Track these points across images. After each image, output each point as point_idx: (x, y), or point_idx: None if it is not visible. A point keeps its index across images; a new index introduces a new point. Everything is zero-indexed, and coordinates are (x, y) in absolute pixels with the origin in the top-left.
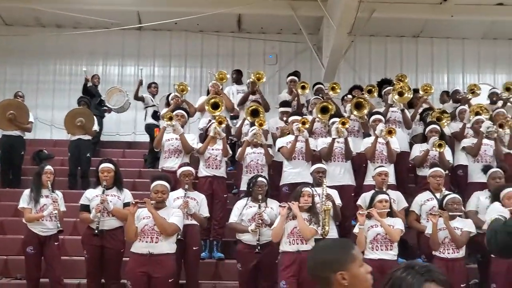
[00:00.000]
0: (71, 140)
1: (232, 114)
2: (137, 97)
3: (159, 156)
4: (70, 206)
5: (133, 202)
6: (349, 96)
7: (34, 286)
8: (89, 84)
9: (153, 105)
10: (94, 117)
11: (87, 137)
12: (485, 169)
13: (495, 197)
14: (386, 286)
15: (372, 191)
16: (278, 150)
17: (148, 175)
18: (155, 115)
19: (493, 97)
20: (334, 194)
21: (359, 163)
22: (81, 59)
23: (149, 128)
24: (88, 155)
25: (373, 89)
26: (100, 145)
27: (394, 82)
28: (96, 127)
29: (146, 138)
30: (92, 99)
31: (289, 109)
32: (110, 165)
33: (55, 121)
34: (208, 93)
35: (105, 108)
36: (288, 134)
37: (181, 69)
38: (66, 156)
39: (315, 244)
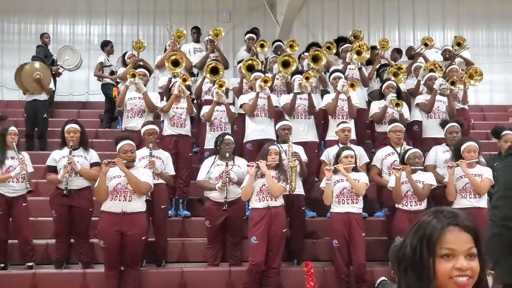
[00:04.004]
0: (27, 101)
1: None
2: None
3: (115, 116)
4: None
5: (105, 162)
6: (306, 53)
7: (2, 247)
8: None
9: (110, 65)
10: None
11: (43, 97)
12: (443, 124)
13: (456, 151)
14: (413, 228)
15: (335, 146)
16: (240, 107)
17: (105, 135)
18: (112, 75)
19: (446, 54)
20: (300, 150)
21: (318, 120)
22: (30, 17)
23: (106, 88)
24: (45, 115)
25: (331, 46)
26: (54, 106)
27: (350, 39)
28: (52, 85)
29: (100, 98)
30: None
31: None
32: (76, 126)
33: (5, 81)
34: (165, 52)
35: (57, 67)
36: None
37: (134, 27)
38: (19, 117)
39: None
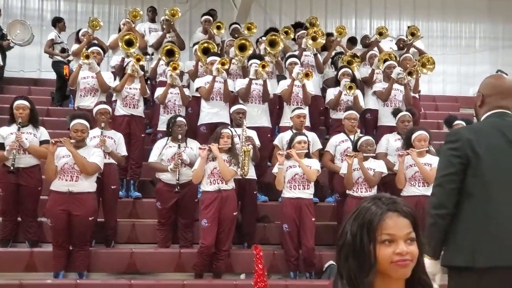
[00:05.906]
0: None
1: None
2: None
3: (67, 94)
4: None
5: (53, 142)
6: (264, 38)
7: None
8: None
9: (61, 42)
10: None
11: None
12: (395, 113)
13: (407, 140)
14: (352, 215)
15: (289, 132)
16: (196, 90)
17: (56, 113)
18: (63, 52)
19: (400, 44)
20: (253, 135)
21: (273, 105)
22: None
23: (57, 66)
24: None
25: (289, 31)
26: (4, 82)
27: (307, 25)
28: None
29: (52, 75)
30: None
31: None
32: (26, 102)
33: None
34: (119, 31)
35: (8, 41)
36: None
37: (89, 5)
38: None
39: None
